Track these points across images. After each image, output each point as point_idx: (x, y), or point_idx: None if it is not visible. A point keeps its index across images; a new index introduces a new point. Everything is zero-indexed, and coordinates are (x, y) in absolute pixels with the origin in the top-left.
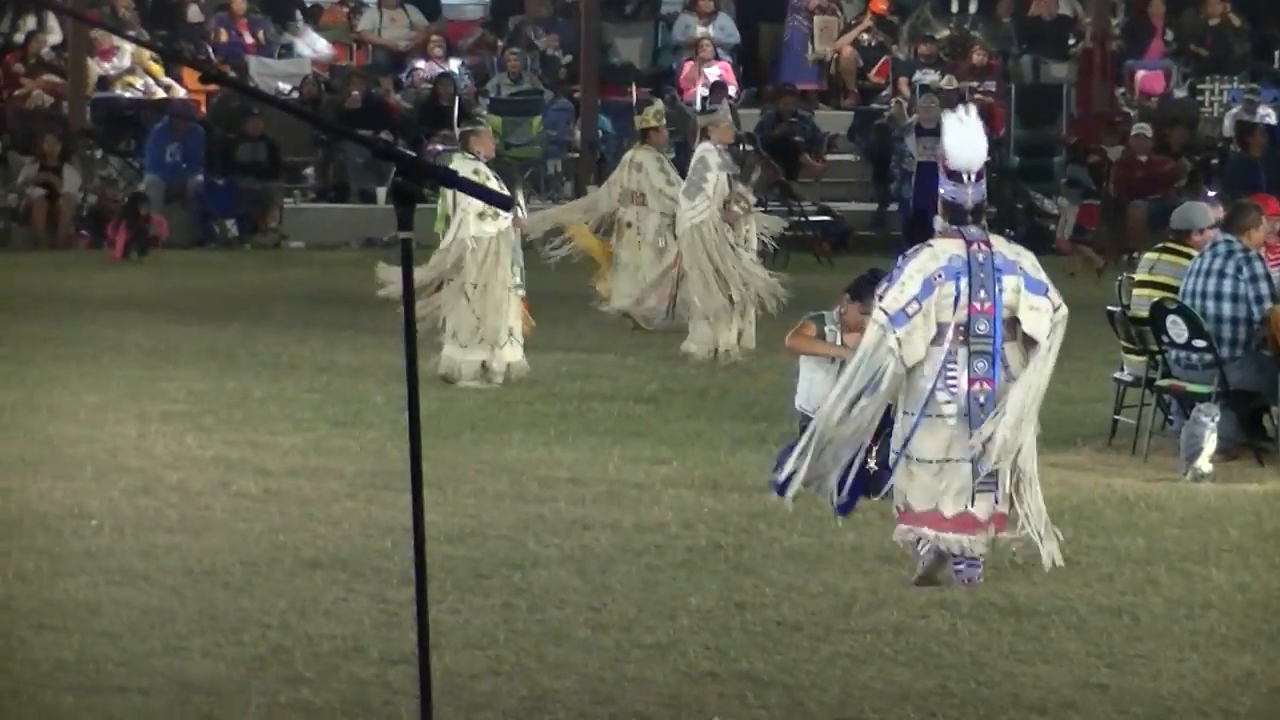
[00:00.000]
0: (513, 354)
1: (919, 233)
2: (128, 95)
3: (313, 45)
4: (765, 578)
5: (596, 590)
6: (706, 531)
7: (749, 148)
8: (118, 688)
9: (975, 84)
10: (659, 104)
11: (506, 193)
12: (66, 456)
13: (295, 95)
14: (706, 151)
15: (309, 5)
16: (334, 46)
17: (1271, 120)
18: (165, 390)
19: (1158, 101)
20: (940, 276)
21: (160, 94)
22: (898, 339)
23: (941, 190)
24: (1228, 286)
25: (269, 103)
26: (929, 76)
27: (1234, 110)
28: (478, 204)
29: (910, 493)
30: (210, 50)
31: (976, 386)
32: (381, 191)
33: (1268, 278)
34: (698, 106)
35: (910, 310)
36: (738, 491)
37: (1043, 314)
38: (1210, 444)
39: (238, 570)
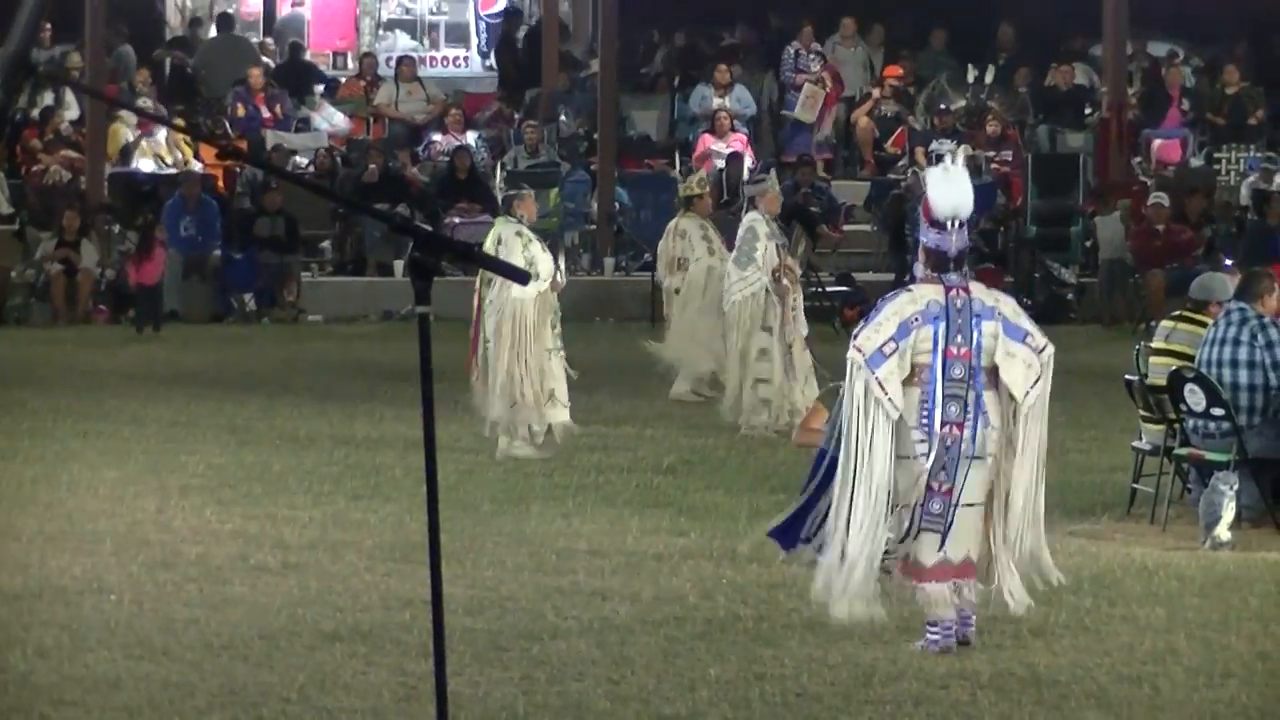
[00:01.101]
0: (556, 415)
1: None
2: (145, 170)
3: (330, 119)
4: (785, 649)
5: (616, 662)
6: (725, 603)
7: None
8: None
9: (992, 154)
10: (703, 172)
11: (544, 261)
12: (86, 531)
13: (310, 169)
14: (755, 221)
15: (326, 79)
16: (351, 120)
17: None
18: (184, 464)
19: (1175, 170)
20: (917, 320)
21: (189, 168)
22: (879, 381)
23: (924, 239)
24: (1244, 354)
25: (285, 178)
26: (946, 146)
27: (1251, 179)
28: (518, 264)
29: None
30: (228, 125)
31: (947, 430)
32: (399, 264)
33: None
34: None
35: (886, 350)
36: (757, 563)
37: (1017, 361)
38: (1229, 512)
39: (257, 644)
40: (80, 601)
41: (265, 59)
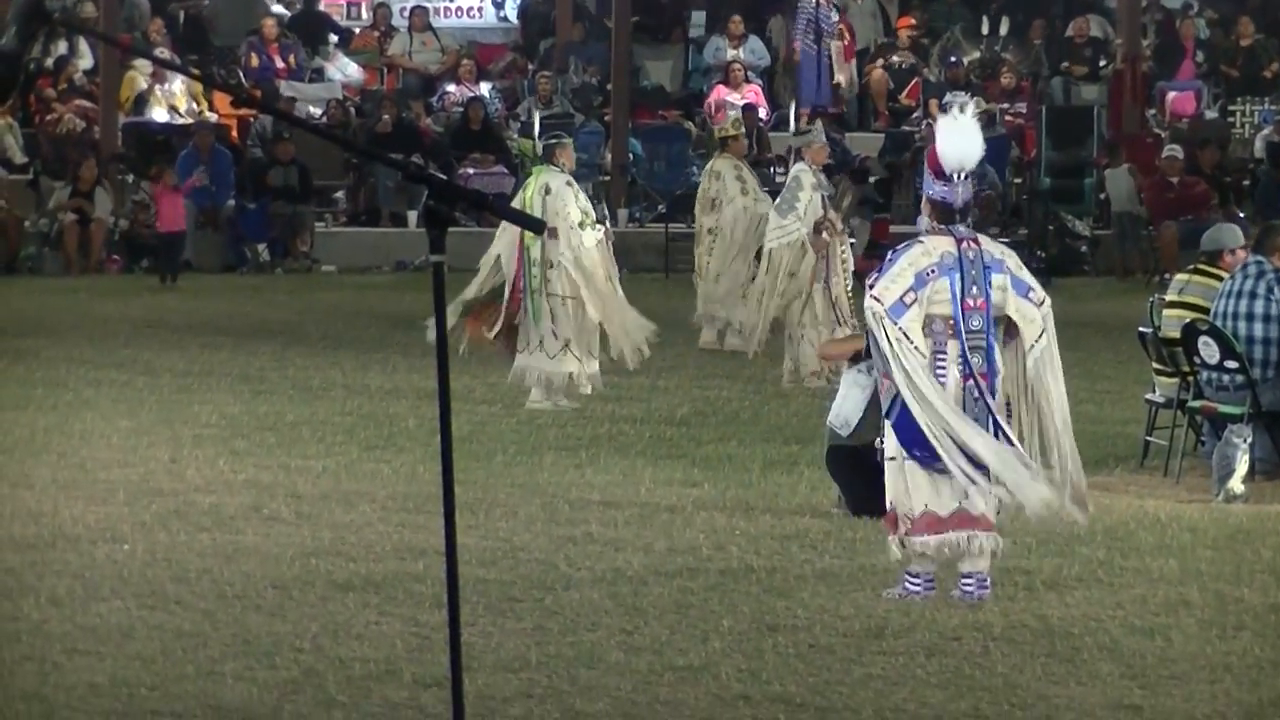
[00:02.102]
0: (591, 366)
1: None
2: (159, 120)
3: (344, 70)
4: (798, 600)
5: (629, 612)
6: (739, 554)
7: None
8: (150, 712)
9: (1006, 106)
10: (737, 113)
11: (593, 211)
12: (99, 480)
13: (324, 119)
14: (801, 172)
15: (340, 30)
16: (365, 71)
17: None
18: (198, 414)
19: (1189, 123)
20: (933, 272)
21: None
22: (903, 330)
23: (929, 191)
24: (1259, 307)
25: (301, 126)
26: (960, 99)
27: (1265, 131)
28: (576, 214)
29: (909, 497)
30: (241, 74)
31: (971, 382)
32: (413, 215)
33: None
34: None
35: (907, 300)
36: (770, 514)
37: (1027, 313)
38: (1243, 465)
39: (270, 594)
40: (93, 550)
41: (279, 9)
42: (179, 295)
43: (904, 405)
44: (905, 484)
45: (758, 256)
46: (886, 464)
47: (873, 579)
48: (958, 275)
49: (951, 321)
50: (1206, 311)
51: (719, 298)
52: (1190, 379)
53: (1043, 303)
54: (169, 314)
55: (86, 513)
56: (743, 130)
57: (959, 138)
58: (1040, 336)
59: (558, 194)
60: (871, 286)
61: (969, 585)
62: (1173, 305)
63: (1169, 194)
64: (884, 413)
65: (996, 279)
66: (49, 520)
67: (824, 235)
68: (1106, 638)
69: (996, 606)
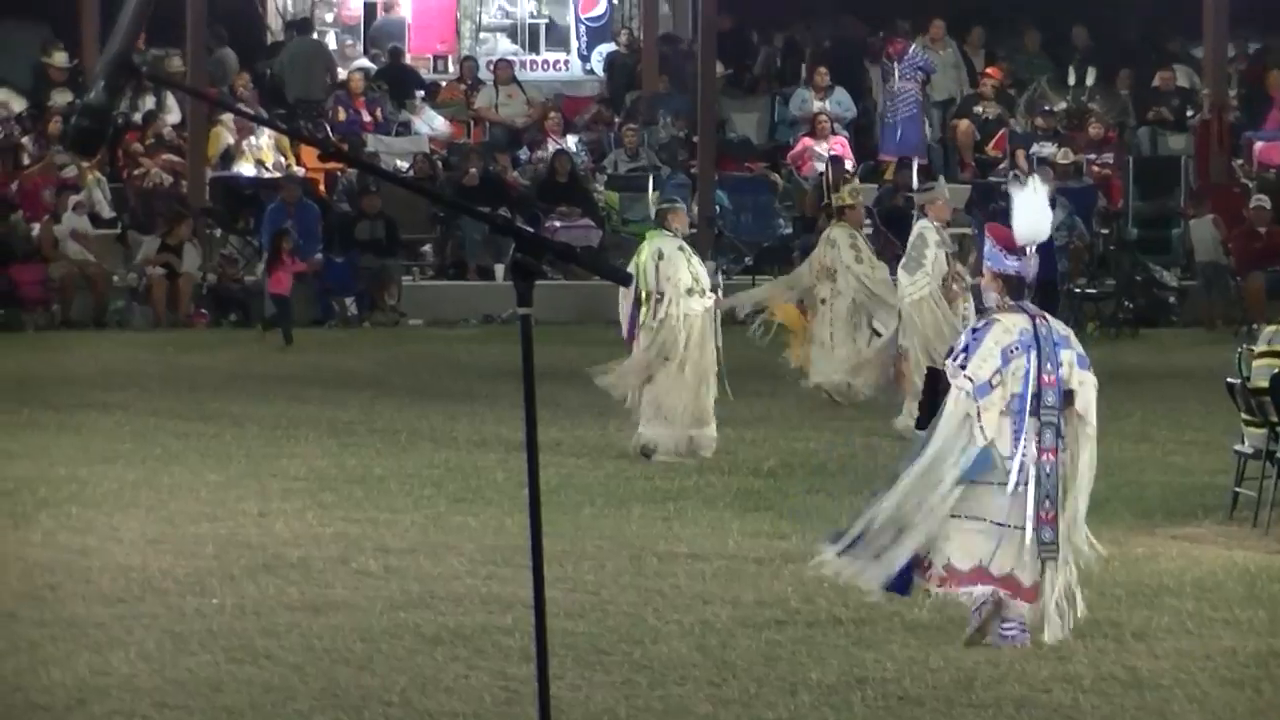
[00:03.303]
0: (707, 429)
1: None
2: (246, 174)
3: (430, 123)
4: (886, 652)
5: (717, 665)
6: (826, 606)
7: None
8: None
9: (1093, 156)
10: (856, 182)
11: (705, 277)
12: (188, 534)
13: (410, 173)
14: (925, 228)
15: (426, 83)
16: (451, 124)
17: None
18: (286, 467)
19: (1276, 172)
20: (1016, 350)
21: (290, 171)
22: (979, 409)
23: (1000, 266)
24: None
25: (387, 179)
26: (1046, 149)
27: None
28: (685, 280)
29: (953, 553)
30: (328, 128)
31: (1045, 457)
32: (499, 268)
33: None
34: (815, 181)
35: (994, 381)
36: None
37: (1088, 387)
38: None
39: (358, 647)
40: (182, 604)
41: (364, 62)
42: (266, 349)
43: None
44: (948, 541)
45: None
46: (951, 521)
47: (961, 631)
48: (1035, 352)
49: (1024, 399)
50: None
51: (835, 366)
52: (1279, 429)
53: (1093, 379)
54: (256, 367)
55: (175, 566)
56: (860, 199)
57: (1034, 211)
58: (1088, 426)
59: (670, 259)
60: (963, 366)
61: (1010, 629)
62: (1261, 355)
63: (1256, 244)
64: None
65: (1065, 354)
66: (138, 574)
67: (955, 288)
68: (1196, 689)
69: (1086, 658)
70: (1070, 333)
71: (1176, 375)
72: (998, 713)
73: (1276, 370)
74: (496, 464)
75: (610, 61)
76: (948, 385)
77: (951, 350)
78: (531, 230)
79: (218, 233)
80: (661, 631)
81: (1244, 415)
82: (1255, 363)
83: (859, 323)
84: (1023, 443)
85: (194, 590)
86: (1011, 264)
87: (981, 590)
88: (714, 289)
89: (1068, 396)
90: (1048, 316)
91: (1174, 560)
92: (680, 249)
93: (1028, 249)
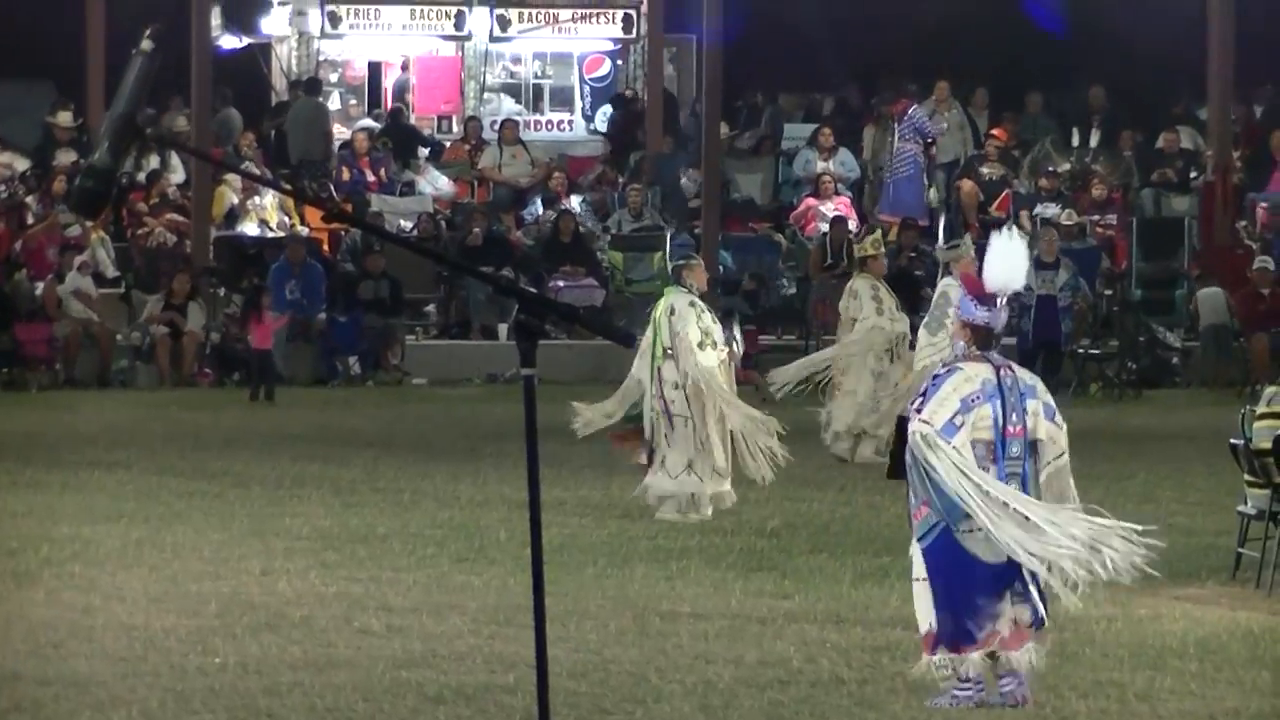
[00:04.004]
0: (718, 485)
1: (1036, 366)
2: (250, 233)
3: (434, 183)
4: (889, 713)
5: None
6: (829, 666)
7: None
8: None
9: (1097, 217)
10: (878, 233)
11: (718, 332)
12: (191, 593)
13: (414, 233)
14: (949, 287)
15: (432, 143)
16: (456, 184)
17: None
18: (289, 526)
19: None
20: (977, 399)
21: (294, 231)
22: (956, 448)
23: (969, 315)
24: None
25: (392, 240)
26: (1050, 210)
27: None
28: (695, 335)
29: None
30: (333, 188)
31: None
32: (503, 328)
33: None
34: (819, 241)
35: (957, 422)
36: (861, 626)
37: (1054, 435)
38: None
39: (361, 707)
40: (185, 663)
41: (368, 122)
42: (269, 408)
43: (941, 532)
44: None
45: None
46: (916, 584)
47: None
48: (999, 402)
49: (993, 447)
50: None
51: (852, 413)
52: None
53: (1063, 426)
54: (260, 426)
55: (178, 625)
56: (882, 250)
57: (1008, 260)
58: (1060, 456)
59: (680, 315)
60: (917, 411)
61: (1008, 684)
62: (1263, 416)
63: (1260, 305)
64: (916, 536)
65: (1030, 405)
66: (141, 632)
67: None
68: None
69: (1089, 718)
70: (1038, 382)
71: (1180, 436)
72: None
73: (1278, 432)
74: (500, 523)
75: (614, 121)
76: None
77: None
78: (534, 290)
79: (222, 292)
80: (664, 691)
81: (1247, 476)
82: (1257, 424)
83: (879, 371)
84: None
85: (197, 649)
86: (981, 314)
87: (961, 660)
88: (729, 343)
89: (1033, 447)
90: (1013, 366)
91: (1177, 621)
92: (692, 304)
93: (999, 299)
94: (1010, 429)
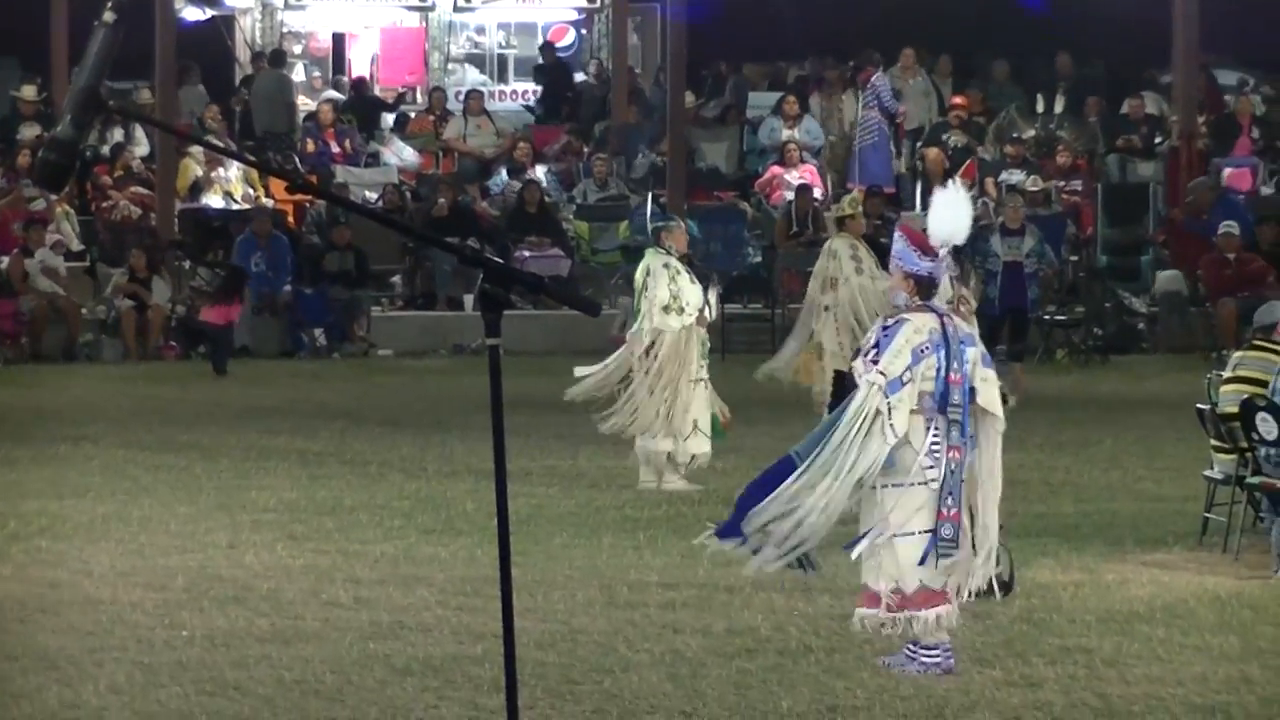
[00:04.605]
0: (698, 445)
1: (1003, 333)
2: (215, 206)
3: (399, 154)
4: (857, 680)
5: (688, 695)
6: (798, 635)
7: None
8: None
9: (1063, 183)
10: (857, 193)
11: (691, 294)
12: (158, 567)
13: (379, 204)
14: None
15: (396, 114)
16: (421, 155)
17: None
18: (256, 499)
19: (1245, 199)
20: (926, 349)
21: (260, 204)
22: (889, 407)
23: (913, 267)
24: None
25: (357, 211)
26: (1015, 177)
27: None
28: (663, 296)
29: (901, 573)
30: (297, 160)
31: (953, 454)
32: (469, 299)
33: None
34: (784, 209)
35: (905, 378)
36: (829, 594)
37: (991, 384)
38: None
39: (329, 679)
40: (152, 638)
41: (333, 93)
42: (236, 381)
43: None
44: (892, 560)
45: None
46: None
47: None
48: (944, 352)
49: (936, 397)
50: (1264, 386)
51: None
52: (1249, 455)
53: (994, 376)
54: (226, 400)
55: (145, 599)
56: (860, 210)
57: (954, 212)
58: (995, 404)
59: (654, 275)
60: (873, 360)
61: (935, 656)
62: (1230, 381)
63: (1226, 270)
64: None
65: (970, 352)
66: (108, 607)
67: (961, 310)
68: (1168, 716)
69: (1057, 685)
70: (975, 331)
71: (1147, 402)
72: None
73: (1245, 396)
74: (467, 494)
75: (580, 92)
76: (854, 386)
77: (859, 349)
78: (500, 261)
79: (187, 265)
80: (632, 661)
81: (1214, 441)
82: (1223, 389)
83: (860, 331)
84: (940, 441)
85: (164, 622)
86: (925, 265)
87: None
88: (702, 309)
89: (972, 394)
90: (953, 315)
91: (1145, 586)
92: (666, 266)
93: (941, 251)
94: (953, 376)
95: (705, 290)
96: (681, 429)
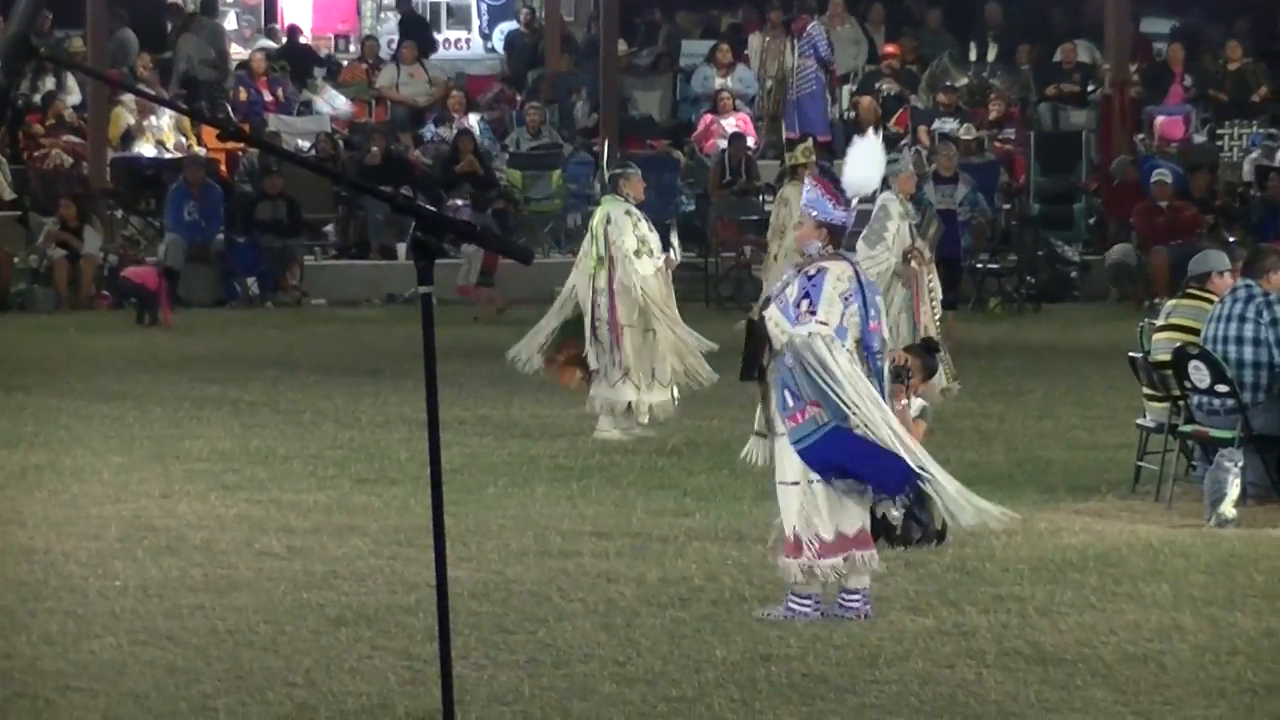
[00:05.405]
0: (656, 395)
1: (940, 279)
2: (147, 155)
3: (332, 102)
4: (790, 629)
5: (622, 644)
6: (731, 584)
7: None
8: None
9: (995, 132)
10: (809, 142)
11: (655, 240)
12: (91, 517)
13: (312, 153)
14: (888, 200)
15: (329, 63)
16: (354, 103)
17: None
18: (189, 449)
19: (1178, 147)
20: (850, 297)
21: (192, 152)
22: (849, 351)
23: (827, 215)
24: (1249, 331)
25: (289, 159)
26: (948, 125)
27: (1254, 155)
28: (632, 242)
29: (821, 519)
30: (229, 109)
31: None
32: (402, 248)
33: None
34: (717, 158)
35: (845, 324)
36: (762, 543)
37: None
38: (1234, 489)
39: (263, 629)
40: (86, 587)
41: (267, 42)
42: (169, 330)
43: (830, 433)
44: (815, 507)
45: None
46: (785, 489)
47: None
48: (861, 299)
49: (862, 345)
50: (1196, 334)
51: None
52: (1181, 403)
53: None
54: (159, 349)
55: (78, 549)
56: (813, 158)
57: (869, 161)
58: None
59: (616, 223)
60: (811, 313)
61: (854, 600)
62: (1163, 329)
63: (1158, 218)
64: (794, 440)
65: (878, 300)
66: (41, 557)
67: (912, 264)
68: (1100, 664)
69: (989, 633)
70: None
71: (1079, 350)
72: (902, 689)
73: (1178, 344)
74: (400, 443)
75: (511, 40)
76: (764, 337)
77: (769, 299)
78: (432, 209)
79: (119, 214)
80: (566, 610)
81: (1146, 390)
82: (1156, 337)
83: None
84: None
85: (97, 572)
86: (839, 214)
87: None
88: (666, 250)
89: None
90: (858, 264)
91: (1077, 535)
92: (628, 213)
93: (853, 200)
94: (872, 324)
95: (668, 236)
96: (660, 377)
